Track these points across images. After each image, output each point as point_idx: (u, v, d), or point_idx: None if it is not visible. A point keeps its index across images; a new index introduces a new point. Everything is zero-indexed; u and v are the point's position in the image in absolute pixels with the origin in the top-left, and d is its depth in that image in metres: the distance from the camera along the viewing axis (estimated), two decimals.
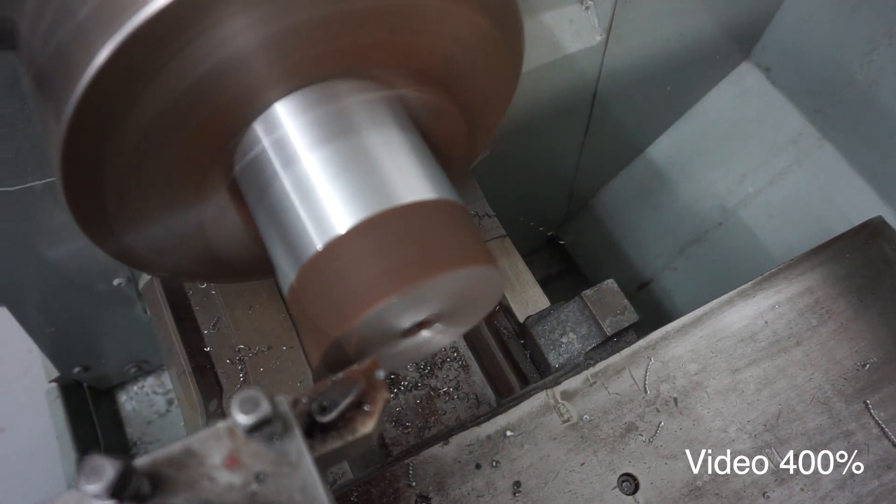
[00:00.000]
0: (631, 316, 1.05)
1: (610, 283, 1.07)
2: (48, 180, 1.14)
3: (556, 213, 2.03)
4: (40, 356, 1.71)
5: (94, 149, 0.71)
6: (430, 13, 0.76)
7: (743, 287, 1.03)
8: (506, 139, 1.38)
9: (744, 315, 1.01)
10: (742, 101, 1.71)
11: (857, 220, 1.10)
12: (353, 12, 0.72)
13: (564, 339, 1.06)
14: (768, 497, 0.90)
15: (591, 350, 1.05)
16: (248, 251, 0.95)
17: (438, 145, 0.89)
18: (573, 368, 1.00)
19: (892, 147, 1.48)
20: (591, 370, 0.97)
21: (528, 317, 1.13)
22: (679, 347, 0.99)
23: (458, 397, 1.15)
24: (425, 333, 0.82)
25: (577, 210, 2.05)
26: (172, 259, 0.92)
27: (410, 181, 0.76)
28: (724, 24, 1.54)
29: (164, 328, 1.24)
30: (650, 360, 0.98)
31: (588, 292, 1.06)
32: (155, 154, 0.75)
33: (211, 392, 1.16)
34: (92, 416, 1.83)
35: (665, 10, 1.40)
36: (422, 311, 0.77)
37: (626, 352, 0.98)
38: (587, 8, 1.32)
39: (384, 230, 0.72)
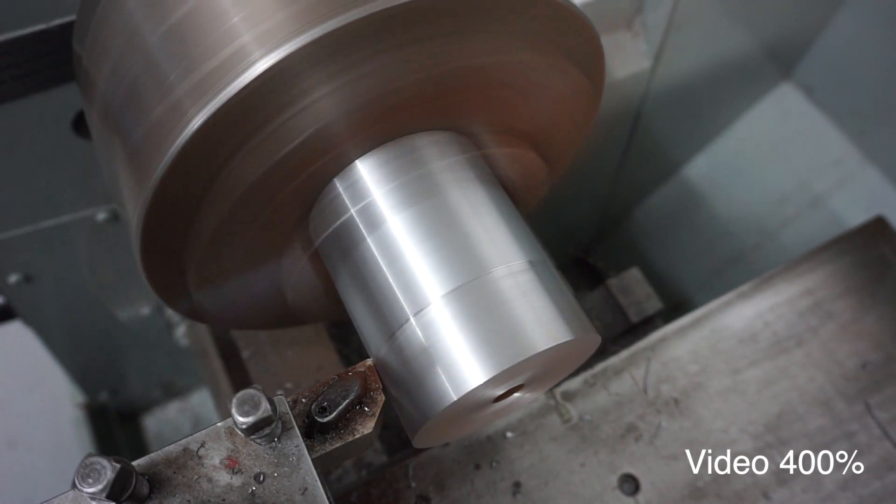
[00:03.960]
0: (655, 304, 1.04)
1: (634, 272, 1.06)
2: (100, 213, 1.18)
3: (588, 233, 1.99)
4: (52, 372, 1.69)
5: (180, 218, 0.70)
6: (520, 70, 0.75)
7: (741, 288, 1.03)
8: None
9: (743, 316, 1.01)
10: (782, 122, 1.66)
11: None
12: (447, 74, 0.70)
13: None
14: (770, 498, 0.90)
15: (616, 337, 1.04)
16: (321, 305, 0.93)
17: (516, 187, 0.88)
18: (600, 354, 0.98)
19: None
20: (591, 371, 0.97)
21: None
22: (679, 348, 0.99)
23: None
24: (516, 395, 0.80)
25: (609, 229, 2.00)
26: (243, 314, 0.91)
27: (499, 245, 0.74)
28: (768, 44, 1.52)
29: (211, 368, 1.18)
30: (650, 360, 0.98)
31: (612, 280, 1.05)
32: (241, 223, 0.74)
33: None
34: (117, 441, 1.83)
35: (712, 33, 1.39)
36: (516, 381, 0.75)
37: (625, 353, 0.98)
38: (636, 34, 1.32)
39: (476, 301, 0.70)
